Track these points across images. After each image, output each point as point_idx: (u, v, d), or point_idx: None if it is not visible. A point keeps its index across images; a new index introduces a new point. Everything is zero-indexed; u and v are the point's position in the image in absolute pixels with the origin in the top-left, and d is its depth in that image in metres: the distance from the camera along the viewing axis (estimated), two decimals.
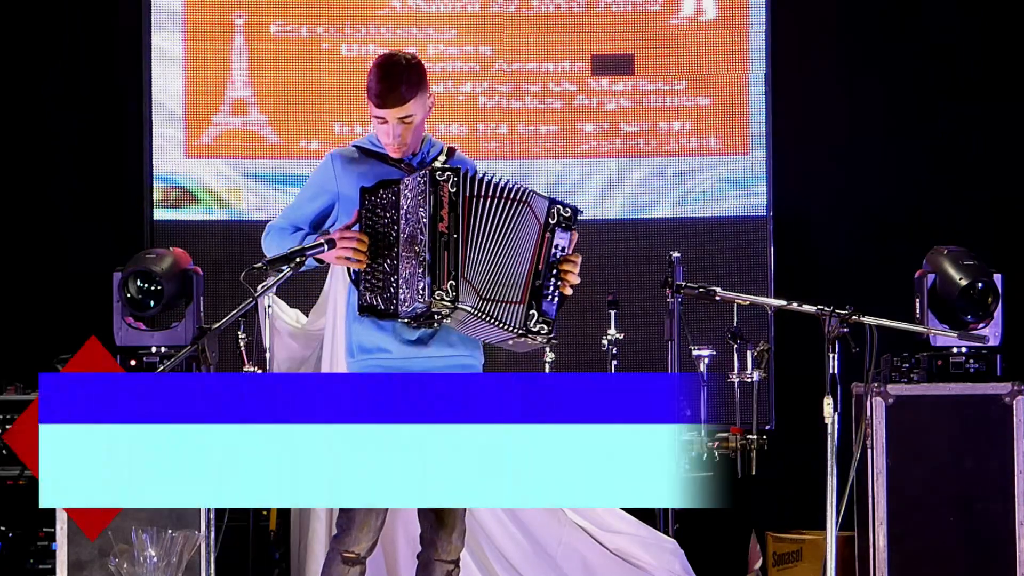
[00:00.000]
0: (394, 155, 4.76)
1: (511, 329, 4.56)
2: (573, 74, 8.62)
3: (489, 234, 4.57)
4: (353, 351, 4.73)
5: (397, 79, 4.68)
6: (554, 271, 4.61)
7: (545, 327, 4.59)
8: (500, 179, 4.61)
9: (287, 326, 6.98)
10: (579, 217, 4.71)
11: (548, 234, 4.62)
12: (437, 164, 4.75)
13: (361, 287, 4.65)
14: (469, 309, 4.51)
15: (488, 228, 4.57)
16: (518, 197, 4.60)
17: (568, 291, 4.67)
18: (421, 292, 4.49)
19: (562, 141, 8.60)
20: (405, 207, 4.57)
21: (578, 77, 8.62)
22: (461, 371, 4.70)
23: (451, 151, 4.86)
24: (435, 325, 4.65)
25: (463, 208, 4.53)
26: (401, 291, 4.56)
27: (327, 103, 8.56)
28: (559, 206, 4.64)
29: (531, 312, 4.57)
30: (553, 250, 4.62)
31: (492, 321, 4.55)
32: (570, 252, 4.67)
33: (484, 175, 4.60)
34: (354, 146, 4.83)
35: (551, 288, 4.62)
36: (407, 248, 4.55)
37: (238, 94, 8.61)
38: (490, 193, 4.58)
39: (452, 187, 4.52)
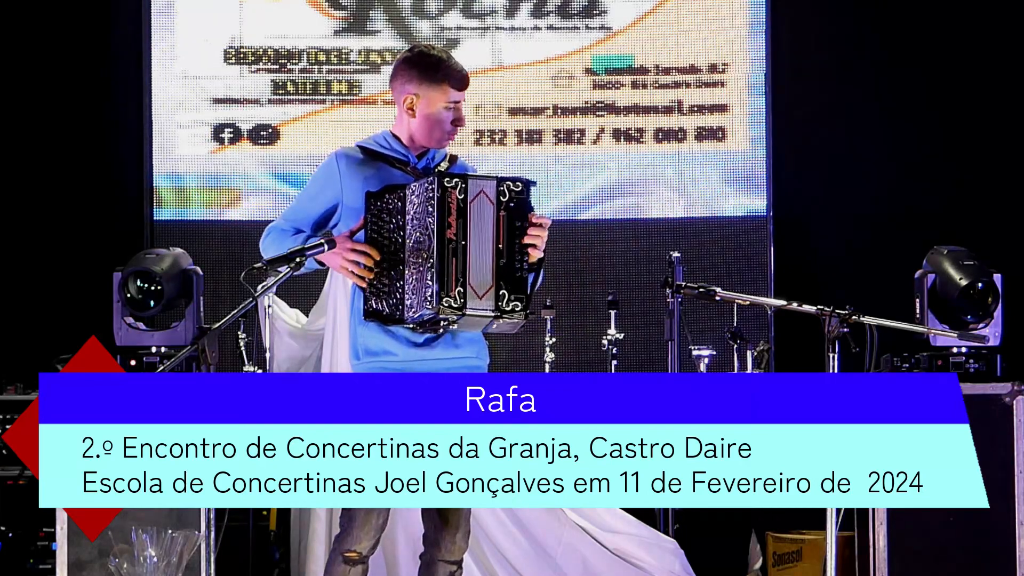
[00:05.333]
0: (447, 143, 4.77)
1: (485, 314, 4.53)
2: (574, 72, 8.62)
3: (484, 235, 4.55)
4: (359, 353, 4.72)
5: (458, 62, 4.73)
6: (516, 246, 4.55)
7: (519, 304, 4.53)
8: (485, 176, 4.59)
9: (287, 326, 6.98)
10: (532, 188, 4.60)
11: (503, 212, 4.57)
12: (442, 170, 4.73)
13: (366, 291, 4.63)
14: (476, 315, 4.50)
15: (484, 229, 4.55)
16: (478, 188, 4.55)
17: (534, 257, 4.58)
18: (429, 299, 4.47)
19: (562, 139, 8.60)
20: (411, 213, 4.55)
21: (579, 76, 8.62)
22: (467, 372, 4.68)
23: (453, 158, 4.85)
24: (440, 331, 4.64)
25: (470, 214, 4.51)
26: (407, 297, 4.54)
27: (327, 103, 8.56)
28: (508, 183, 4.58)
29: (500, 292, 4.54)
30: (511, 226, 4.56)
31: (475, 314, 4.52)
32: (532, 220, 4.56)
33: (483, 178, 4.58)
34: (358, 146, 4.80)
35: (517, 263, 4.57)
36: (413, 254, 4.53)
37: (238, 94, 8.61)
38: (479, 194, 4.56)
39: (460, 194, 4.50)
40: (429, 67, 4.72)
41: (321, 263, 4.69)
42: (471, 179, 4.54)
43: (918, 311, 6.32)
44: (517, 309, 4.53)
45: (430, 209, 4.49)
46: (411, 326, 4.60)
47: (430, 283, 4.47)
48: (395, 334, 4.67)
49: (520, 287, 4.55)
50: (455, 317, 4.50)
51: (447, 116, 4.72)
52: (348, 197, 4.70)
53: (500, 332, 4.65)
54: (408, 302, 4.54)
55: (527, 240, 4.55)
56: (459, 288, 4.47)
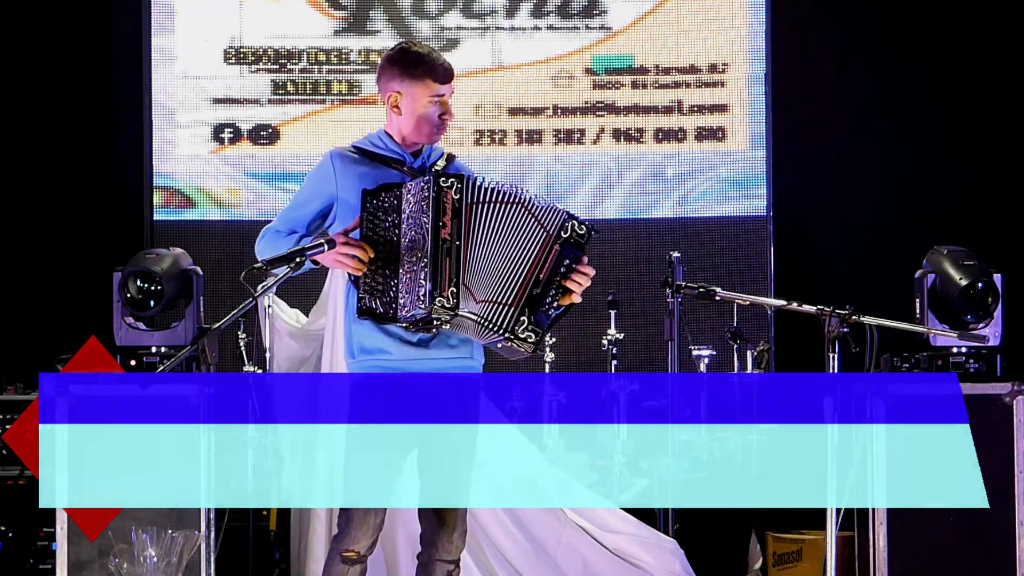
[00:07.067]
0: (438, 137, 4.76)
1: (498, 331, 4.54)
2: (574, 72, 8.62)
3: (491, 241, 4.55)
4: (354, 352, 4.72)
5: (440, 56, 4.72)
6: (555, 283, 4.58)
7: (533, 335, 4.56)
8: (505, 185, 4.59)
9: (287, 326, 6.98)
10: (593, 235, 4.66)
11: (557, 246, 4.59)
12: (438, 168, 4.72)
13: (360, 290, 4.63)
14: (468, 316, 4.51)
15: (490, 235, 4.55)
16: (522, 204, 4.57)
17: (569, 300, 4.63)
18: (422, 298, 4.47)
19: (562, 139, 8.60)
20: (407, 211, 4.55)
21: (579, 76, 8.62)
22: (463, 372, 4.69)
23: (450, 157, 4.84)
24: (434, 331, 4.64)
25: (465, 215, 4.51)
26: (401, 296, 4.54)
27: (327, 103, 8.56)
28: (574, 222, 4.62)
29: (522, 318, 4.55)
30: (559, 263, 4.59)
31: (482, 323, 4.53)
32: (580, 268, 4.62)
33: (489, 182, 4.58)
34: (354, 147, 4.80)
35: (550, 299, 4.59)
36: (408, 253, 4.53)
37: (238, 94, 8.61)
38: (493, 199, 4.55)
39: (456, 193, 4.50)
40: (409, 63, 4.72)
41: (316, 262, 4.68)
42: (542, 206, 4.56)
43: (918, 311, 6.32)
44: (530, 340, 4.56)
45: (425, 208, 4.50)
46: (404, 325, 4.60)
47: (423, 282, 4.48)
48: (390, 332, 4.67)
49: (541, 321, 4.57)
50: (447, 317, 4.51)
51: (433, 111, 4.72)
52: (344, 195, 4.70)
53: (503, 354, 4.66)
54: (401, 301, 4.54)
55: (569, 284, 4.58)
56: (452, 288, 4.48)
